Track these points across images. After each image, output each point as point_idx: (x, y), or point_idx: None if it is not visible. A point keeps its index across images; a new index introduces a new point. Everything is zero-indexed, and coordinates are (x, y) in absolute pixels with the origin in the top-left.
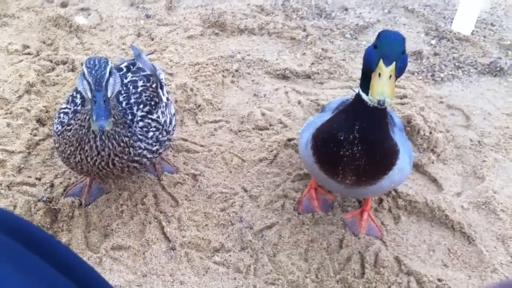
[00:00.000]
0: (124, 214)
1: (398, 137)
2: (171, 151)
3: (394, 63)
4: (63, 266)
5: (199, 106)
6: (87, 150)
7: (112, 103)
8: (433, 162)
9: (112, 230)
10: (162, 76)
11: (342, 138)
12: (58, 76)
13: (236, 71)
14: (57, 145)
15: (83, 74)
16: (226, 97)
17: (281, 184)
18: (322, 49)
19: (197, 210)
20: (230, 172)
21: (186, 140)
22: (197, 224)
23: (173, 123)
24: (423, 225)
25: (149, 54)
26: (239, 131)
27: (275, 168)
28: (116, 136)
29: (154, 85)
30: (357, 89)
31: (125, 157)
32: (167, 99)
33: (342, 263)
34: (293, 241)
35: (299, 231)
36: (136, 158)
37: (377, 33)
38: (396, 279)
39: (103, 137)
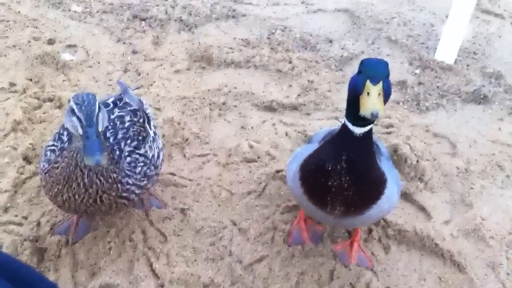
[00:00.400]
0: (112, 252)
1: (385, 165)
2: (159, 186)
3: (381, 82)
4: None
5: (187, 140)
6: (74, 188)
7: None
8: (421, 191)
9: (99, 268)
10: (149, 110)
11: (329, 168)
12: (45, 113)
13: (223, 104)
14: (43, 183)
15: (72, 110)
16: (213, 130)
17: (270, 216)
18: (308, 80)
19: (186, 245)
20: (219, 205)
21: (174, 174)
22: (186, 260)
23: (161, 157)
24: (413, 254)
25: (135, 89)
26: (227, 164)
27: (264, 200)
28: (104, 172)
29: (141, 120)
30: (343, 120)
31: (113, 194)
32: (154, 133)
33: None
34: (284, 274)
35: (289, 264)
36: (124, 194)
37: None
38: None
39: (91, 174)
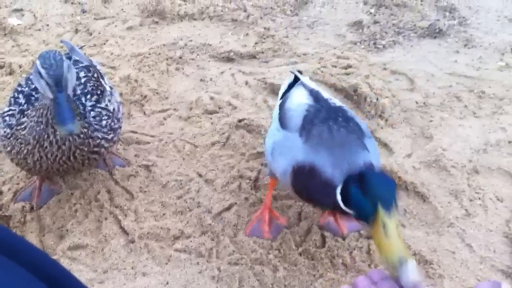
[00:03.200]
0: (78, 213)
1: (369, 145)
2: (120, 145)
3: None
4: (29, 264)
5: (145, 96)
6: (46, 147)
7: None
8: (382, 127)
9: (67, 230)
10: (99, 67)
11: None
12: None
13: (180, 58)
14: (9, 148)
15: (39, 73)
16: (172, 85)
17: (236, 165)
18: (264, 28)
19: (153, 200)
20: (183, 159)
21: (135, 132)
22: (155, 214)
23: (121, 110)
24: None
25: (80, 48)
26: (189, 117)
27: (228, 150)
28: None
29: (95, 75)
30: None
31: (86, 149)
32: (111, 87)
33: (303, 235)
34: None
35: (258, 209)
36: (95, 149)
37: (361, 175)
38: (357, 244)
39: None
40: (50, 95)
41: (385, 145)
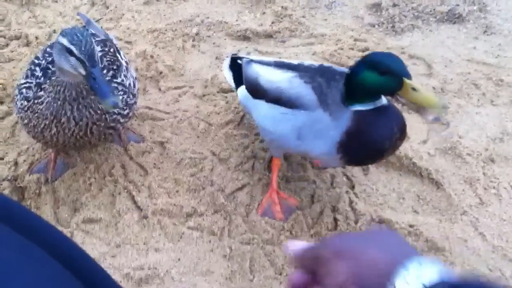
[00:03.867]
0: (92, 187)
1: None
2: (135, 120)
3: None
4: (42, 241)
5: (161, 73)
6: (64, 122)
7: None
8: None
9: (81, 204)
10: (115, 41)
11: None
12: (12, 52)
13: (196, 35)
14: (26, 121)
15: (69, 51)
16: (188, 62)
17: (250, 145)
18: (282, 7)
19: (166, 177)
20: (198, 137)
21: (150, 108)
22: (168, 191)
23: (136, 86)
24: (391, 174)
25: (97, 21)
26: (204, 95)
27: (243, 129)
28: (93, 104)
29: (112, 50)
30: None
31: (102, 124)
32: (126, 62)
33: (315, 218)
34: None
35: None
36: (112, 124)
37: (366, 61)
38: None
39: (80, 107)
40: (83, 72)
41: None
